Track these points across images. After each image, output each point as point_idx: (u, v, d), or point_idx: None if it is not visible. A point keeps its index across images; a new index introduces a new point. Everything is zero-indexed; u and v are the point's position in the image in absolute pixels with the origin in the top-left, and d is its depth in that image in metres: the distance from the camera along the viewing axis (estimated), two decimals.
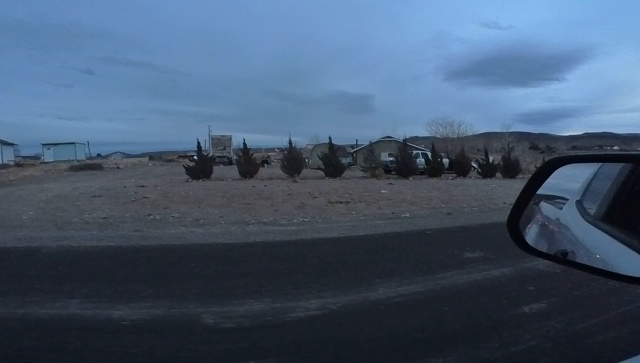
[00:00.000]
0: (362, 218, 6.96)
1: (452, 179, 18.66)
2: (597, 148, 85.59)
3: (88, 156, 48.18)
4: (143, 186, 11.99)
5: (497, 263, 3.89)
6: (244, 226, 6.14)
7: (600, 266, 0.75)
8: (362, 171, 21.74)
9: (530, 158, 33.60)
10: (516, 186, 13.92)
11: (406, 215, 7.20)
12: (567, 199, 0.99)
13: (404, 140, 21.83)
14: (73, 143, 41.44)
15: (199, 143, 18.24)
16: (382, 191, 10.93)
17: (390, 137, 42.06)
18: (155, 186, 12.31)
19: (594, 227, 0.86)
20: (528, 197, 0.84)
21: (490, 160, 22.26)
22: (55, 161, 33.98)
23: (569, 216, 0.94)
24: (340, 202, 8.52)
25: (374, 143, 33.58)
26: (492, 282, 3.38)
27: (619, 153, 1.01)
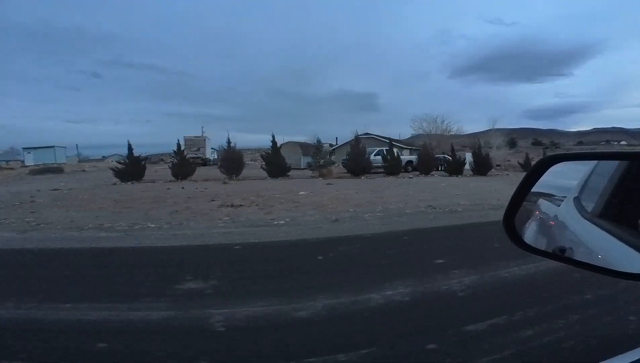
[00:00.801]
0: (232, 224, 6.38)
1: (410, 177, 17.89)
2: (603, 143, 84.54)
3: (81, 157, 49.26)
4: (55, 190, 12.06)
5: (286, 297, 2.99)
6: (78, 231, 5.93)
7: (597, 263, 0.76)
8: (310, 170, 20.59)
9: (515, 156, 33.26)
10: (471, 184, 13.70)
11: (282, 222, 6.49)
12: (565, 197, 0.99)
13: (356, 136, 20.57)
14: (52, 147, 41.86)
15: (179, 143, 18.00)
16: (301, 193, 10.60)
17: (369, 134, 41.61)
18: (70, 189, 12.38)
19: (591, 224, 0.86)
20: (523, 195, 0.85)
21: (461, 158, 21.64)
22: (35, 164, 34.31)
23: (567, 213, 0.94)
24: (233, 206, 8.20)
25: (351, 140, 32.62)
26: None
27: (612, 151, 1.01)
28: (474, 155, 22.21)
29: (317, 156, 20.82)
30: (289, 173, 18.28)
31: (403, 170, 22.50)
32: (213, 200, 9.21)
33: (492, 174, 21.17)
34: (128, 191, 11.83)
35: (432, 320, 2.68)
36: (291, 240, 5.31)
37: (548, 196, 0.96)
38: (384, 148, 22.87)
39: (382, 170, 19.96)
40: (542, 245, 0.90)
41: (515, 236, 0.89)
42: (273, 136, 18.43)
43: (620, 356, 0.85)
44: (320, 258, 4.29)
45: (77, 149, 50.30)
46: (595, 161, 0.91)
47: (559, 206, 0.95)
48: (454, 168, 20.45)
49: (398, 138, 48.47)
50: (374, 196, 10.01)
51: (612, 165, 0.85)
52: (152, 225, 6.34)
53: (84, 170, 29.92)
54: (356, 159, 18.65)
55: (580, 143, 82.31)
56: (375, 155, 21.86)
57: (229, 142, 18.20)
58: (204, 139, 34.84)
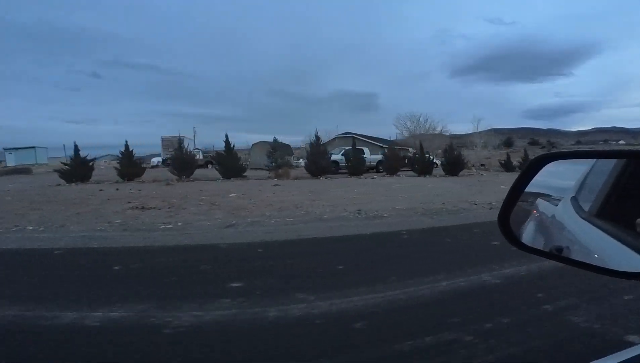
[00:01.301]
0: (115, 227, 6.24)
1: (372, 178, 17.49)
2: (602, 142, 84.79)
3: (71, 158, 49.09)
4: None
5: None
6: None
7: (594, 263, 0.76)
8: (266, 170, 19.92)
9: (499, 155, 33.31)
10: (429, 185, 13.56)
11: (170, 226, 6.35)
12: (563, 196, 0.99)
13: (315, 135, 19.65)
14: (34, 147, 42.07)
15: (127, 144, 17.34)
16: (231, 195, 10.50)
17: (349, 133, 40.61)
18: (7, 190, 12.39)
19: (588, 223, 0.86)
20: (517, 194, 0.85)
21: (430, 158, 21.33)
22: (16, 164, 34.50)
23: (564, 212, 0.93)
24: (144, 208, 8.08)
25: (331, 139, 32.08)
26: None
27: (607, 149, 1.01)
28: (445, 155, 21.56)
29: (273, 156, 20.04)
30: (245, 174, 17.82)
31: (374, 170, 22.36)
32: (129, 202, 9.08)
33: (464, 175, 20.67)
34: (57, 193, 11.65)
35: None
36: (150, 246, 5.03)
37: (546, 196, 0.96)
38: (350, 148, 22.50)
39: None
40: (539, 244, 0.90)
41: (511, 236, 0.89)
42: (226, 136, 18.04)
43: (612, 355, 0.84)
44: (116, 268, 3.95)
45: (65, 150, 50.13)
46: (593, 160, 0.91)
47: (556, 205, 0.95)
48: (423, 168, 19.90)
49: (394, 138, 48.40)
50: (310, 198, 9.69)
51: (609, 164, 0.85)
52: (30, 227, 6.24)
53: (55, 170, 29.40)
54: (314, 159, 18.05)
55: (578, 143, 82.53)
56: (342, 155, 21.52)
57: (180, 141, 18.10)
58: (182, 140, 34.76)
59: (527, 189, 0.87)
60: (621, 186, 0.80)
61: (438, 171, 21.57)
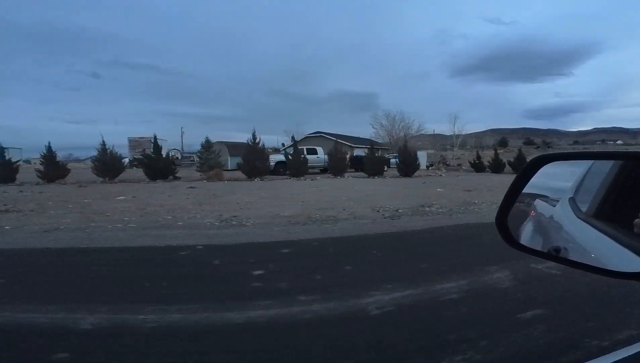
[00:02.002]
0: None
1: (312, 180, 16.81)
2: (599, 142, 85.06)
3: (62, 158, 48.89)
4: None
5: None
6: None
7: (591, 263, 0.76)
8: (198, 171, 19.11)
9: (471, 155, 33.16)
10: (356, 187, 12.97)
11: None
12: (561, 197, 1.00)
13: (253, 134, 18.57)
14: (6, 148, 42.18)
15: (49, 144, 16.71)
16: (119, 198, 10.13)
17: (320, 132, 40.43)
18: None
19: (585, 224, 0.87)
20: (515, 195, 0.85)
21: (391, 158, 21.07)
22: None
23: (562, 213, 0.94)
24: (7, 211, 7.73)
25: (302, 139, 31.51)
26: None
27: (605, 150, 1.02)
28: (400, 154, 20.77)
29: (204, 156, 19.07)
30: (177, 175, 17.37)
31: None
32: (5, 204, 8.68)
33: (420, 176, 20.00)
34: None
35: None
36: None
37: (544, 197, 0.97)
38: (304, 148, 21.83)
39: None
40: (537, 245, 0.91)
41: (509, 237, 0.90)
42: (155, 137, 17.54)
43: (607, 355, 0.85)
44: None
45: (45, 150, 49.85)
46: (591, 161, 0.91)
47: (554, 206, 0.96)
48: (374, 168, 19.05)
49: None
50: (201, 203, 9.05)
51: (606, 165, 0.86)
52: None
53: None
54: (249, 160, 17.29)
55: (576, 143, 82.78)
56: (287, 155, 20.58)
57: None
58: (150, 140, 34.52)
59: (524, 191, 0.88)
60: (619, 187, 0.81)
61: (393, 172, 20.87)
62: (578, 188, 0.95)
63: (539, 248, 0.89)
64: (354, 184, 14.96)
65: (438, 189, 12.42)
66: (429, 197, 10.04)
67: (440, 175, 22.18)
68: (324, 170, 21.59)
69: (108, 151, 16.93)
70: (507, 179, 16.98)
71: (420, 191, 12.07)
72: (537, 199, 0.97)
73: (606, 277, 0.73)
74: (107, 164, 16.56)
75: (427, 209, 8.07)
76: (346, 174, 19.60)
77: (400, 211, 7.76)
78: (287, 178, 17.62)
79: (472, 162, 29.74)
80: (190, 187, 13.42)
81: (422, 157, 31.31)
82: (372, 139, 46.80)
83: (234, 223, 6.65)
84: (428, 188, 13.27)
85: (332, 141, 31.68)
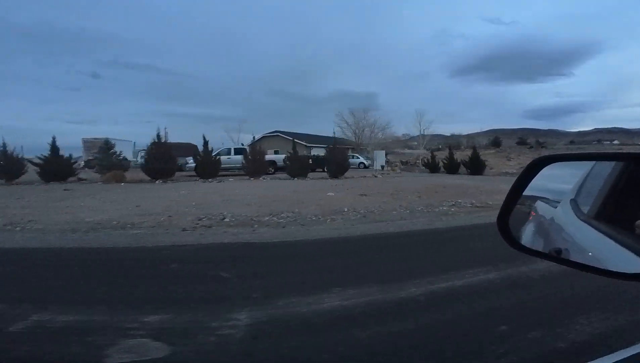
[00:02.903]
0: None
1: (217, 182, 15.91)
2: (595, 142, 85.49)
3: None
4: None
5: None
6: None
7: (593, 264, 0.77)
8: (96, 173, 18.34)
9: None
10: (237, 190, 12.05)
11: None
12: (562, 198, 1.00)
13: (157, 133, 17.48)
14: None
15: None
16: None
17: (278, 132, 39.68)
18: None
19: (587, 225, 0.87)
20: (517, 196, 0.85)
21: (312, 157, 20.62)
22: None
23: (563, 214, 0.94)
24: None
25: (260, 138, 30.88)
26: None
27: (607, 151, 1.02)
28: (328, 154, 19.75)
29: (102, 158, 18.16)
30: (79, 176, 16.95)
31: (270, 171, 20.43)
32: None
33: (351, 177, 19.07)
34: None
35: None
36: None
37: (545, 198, 0.97)
38: (233, 147, 21.15)
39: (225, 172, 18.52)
40: (539, 246, 0.91)
41: (510, 238, 0.90)
42: (53, 139, 16.85)
43: (608, 356, 0.85)
44: None
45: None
46: (592, 163, 0.92)
47: (555, 207, 0.96)
48: (296, 170, 18.06)
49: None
50: (30, 209, 8.44)
51: (608, 166, 0.86)
52: None
53: None
54: (149, 160, 16.45)
55: (572, 143, 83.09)
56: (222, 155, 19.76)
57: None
58: (108, 142, 33.92)
59: (525, 192, 0.88)
60: (620, 188, 0.81)
61: (323, 174, 20.03)
62: (579, 190, 0.95)
63: (540, 249, 0.90)
64: (235, 187, 13.58)
65: (328, 194, 11.18)
66: (301, 203, 8.96)
67: (377, 176, 20.91)
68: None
69: (9, 152, 16.56)
70: (449, 181, 16.32)
71: (302, 196, 10.65)
72: (537, 201, 0.97)
73: (608, 278, 0.73)
74: (4, 168, 16.04)
75: (267, 219, 6.98)
76: (267, 177, 18.45)
77: (227, 220, 6.92)
78: (195, 180, 16.68)
79: (427, 162, 28.76)
80: (65, 190, 12.67)
81: (380, 157, 31.25)
82: (347, 138, 45.61)
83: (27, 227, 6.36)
84: (318, 192, 11.83)
85: (290, 140, 31.24)
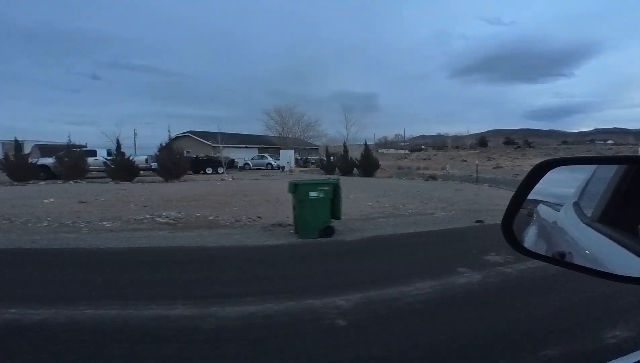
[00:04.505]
0: None
1: (70, 184, 15.82)
2: (588, 142, 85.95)
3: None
4: None
5: None
6: None
7: (596, 267, 0.77)
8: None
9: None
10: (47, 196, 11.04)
11: None
12: (565, 202, 1.00)
13: (15, 139, 17.95)
14: None
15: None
16: None
17: (190, 132, 38.31)
18: None
19: (590, 228, 0.87)
20: (521, 199, 0.85)
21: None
22: None
23: (566, 218, 0.94)
24: None
25: (173, 139, 30.47)
26: None
27: (610, 155, 1.02)
28: (160, 155, 18.76)
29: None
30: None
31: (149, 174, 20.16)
32: None
33: (189, 180, 18.26)
34: None
35: None
36: None
37: (548, 202, 0.97)
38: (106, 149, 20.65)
39: (95, 174, 18.55)
40: (542, 249, 0.91)
41: (514, 241, 0.90)
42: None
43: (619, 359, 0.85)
44: None
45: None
46: (595, 166, 0.92)
47: (558, 211, 0.96)
48: (169, 171, 17.79)
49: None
50: None
51: (611, 170, 0.86)
52: None
53: None
54: (7, 162, 16.92)
55: (564, 143, 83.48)
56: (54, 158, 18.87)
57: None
58: (23, 143, 33.51)
59: (529, 196, 0.88)
60: (623, 191, 0.81)
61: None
62: (582, 193, 0.95)
63: (543, 253, 0.90)
64: (73, 188, 13.59)
65: (44, 201, 10.13)
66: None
67: (224, 179, 19.84)
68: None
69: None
70: (275, 185, 15.14)
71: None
72: (540, 204, 0.97)
73: (611, 282, 0.73)
74: None
75: None
76: (135, 179, 18.19)
77: None
78: (48, 183, 16.53)
79: (323, 162, 26.70)
80: None
81: (286, 157, 30.87)
82: (275, 136, 44.15)
83: None
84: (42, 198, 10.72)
85: (200, 141, 30.23)
